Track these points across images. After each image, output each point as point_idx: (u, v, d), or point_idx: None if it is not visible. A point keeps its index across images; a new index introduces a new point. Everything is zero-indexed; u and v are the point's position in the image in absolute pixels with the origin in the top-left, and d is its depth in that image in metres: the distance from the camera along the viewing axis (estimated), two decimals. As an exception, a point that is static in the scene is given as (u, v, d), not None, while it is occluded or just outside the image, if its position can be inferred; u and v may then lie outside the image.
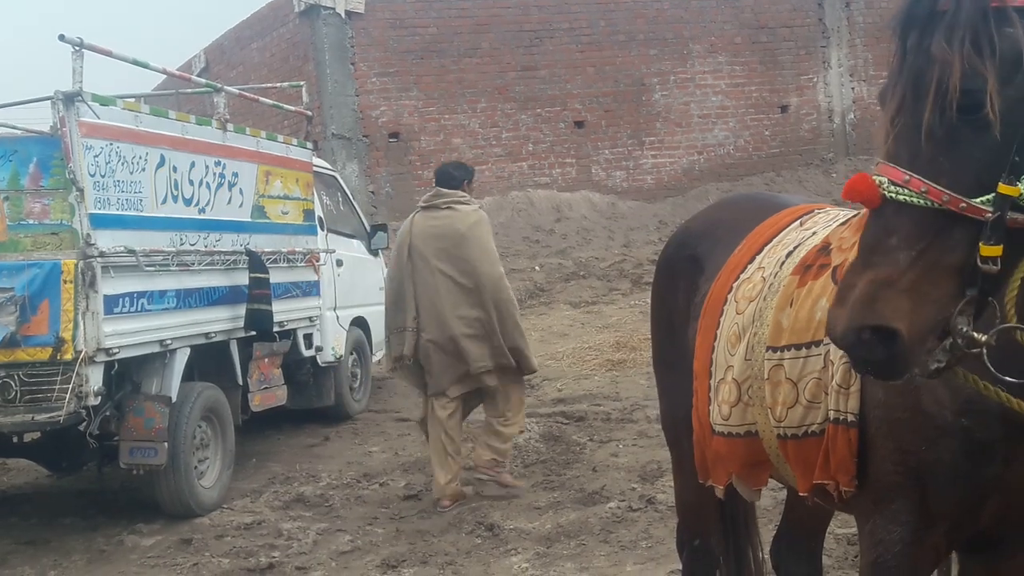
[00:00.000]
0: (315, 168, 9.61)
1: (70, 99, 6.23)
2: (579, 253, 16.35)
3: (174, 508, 6.98)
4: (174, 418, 6.83)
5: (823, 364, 2.85)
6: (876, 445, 2.71)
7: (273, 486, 7.64)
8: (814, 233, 3.24)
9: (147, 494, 7.16)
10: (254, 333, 7.86)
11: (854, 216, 3.12)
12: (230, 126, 7.97)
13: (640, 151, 18.36)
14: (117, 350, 6.46)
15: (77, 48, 6.37)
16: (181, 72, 9.66)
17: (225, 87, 8.52)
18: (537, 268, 15.78)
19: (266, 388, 8.29)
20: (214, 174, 7.58)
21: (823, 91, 19.49)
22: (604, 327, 12.91)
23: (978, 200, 2.13)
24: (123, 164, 6.59)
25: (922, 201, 2.14)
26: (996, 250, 2.13)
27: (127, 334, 6.55)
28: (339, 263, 9.97)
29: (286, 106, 9.97)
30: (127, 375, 6.87)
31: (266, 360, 8.29)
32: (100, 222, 6.37)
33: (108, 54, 6.81)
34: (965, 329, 2.17)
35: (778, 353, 3.00)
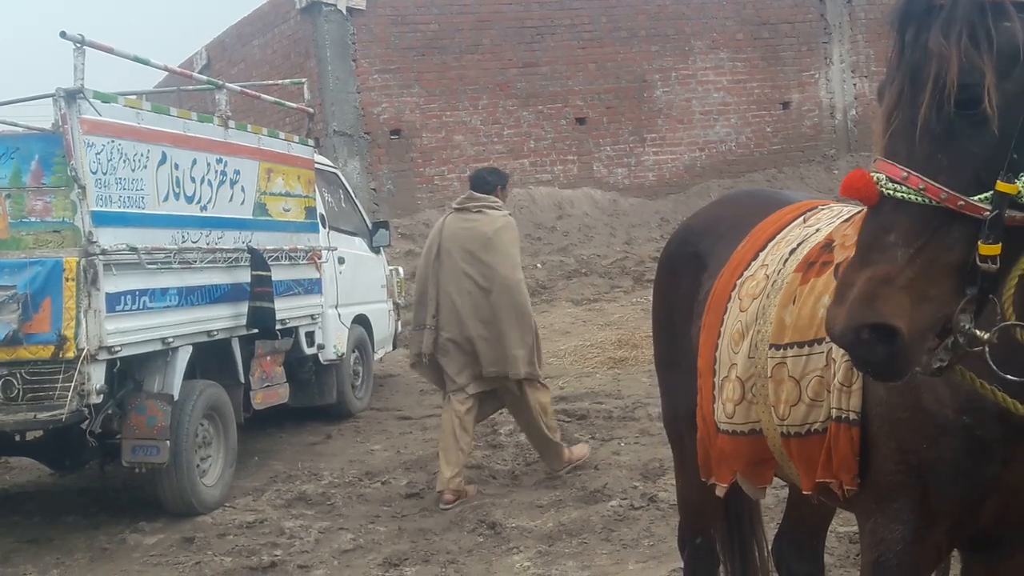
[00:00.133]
0: (317, 165, 9.60)
1: (72, 96, 6.22)
2: (581, 250, 16.34)
3: (176, 506, 6.98)
4: (176, 416, 6.82)
5: (825, 362, 2.85)
6: (878, 443, 2.70)
7: (275, 484, 7.64)
8: (817, 230, 3.23)
9: (149, 492, 7.16)
10: (256, 331, 7.86)
11: (857, 213, 3.10)
12: (232, 123, 7.97)
13: (642, 148, 18.34)
14: (119, 348, 6.46)
15: (78, 45, 6.36)
16: (182, 69, 9.64)
17: (227, 84, 8.51)
18: (539, 265, 15.77)
19: (268, 386, 8.29)
20: (216, 171, 7.58)
21: (825, 87, 19.48)
22: (606, 325, 12.91)
23: (976, 198, 2.11)
24: (125, 161, 6.59)
25: (920, 198, 2.12)
26: (995, 249, 2.12)
27: (129, 332, 6.55)
28: (341, 261, 9.97)
29: (288, 103, 9.96)
30: (129, 373, 6.87)
31: (268, 358, 8.29)
32: (102, 220, 6.37)
33: (109, 51, 6.80)
34: (968, 327, 2.16)
35: (781, 351, 3.00)
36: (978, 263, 2.12)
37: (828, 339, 2.80)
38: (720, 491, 3.39)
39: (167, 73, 8.92)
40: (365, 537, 6.41)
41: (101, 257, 6.31)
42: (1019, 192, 2.11)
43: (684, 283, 3.71)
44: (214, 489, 7.25)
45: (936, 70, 2.13)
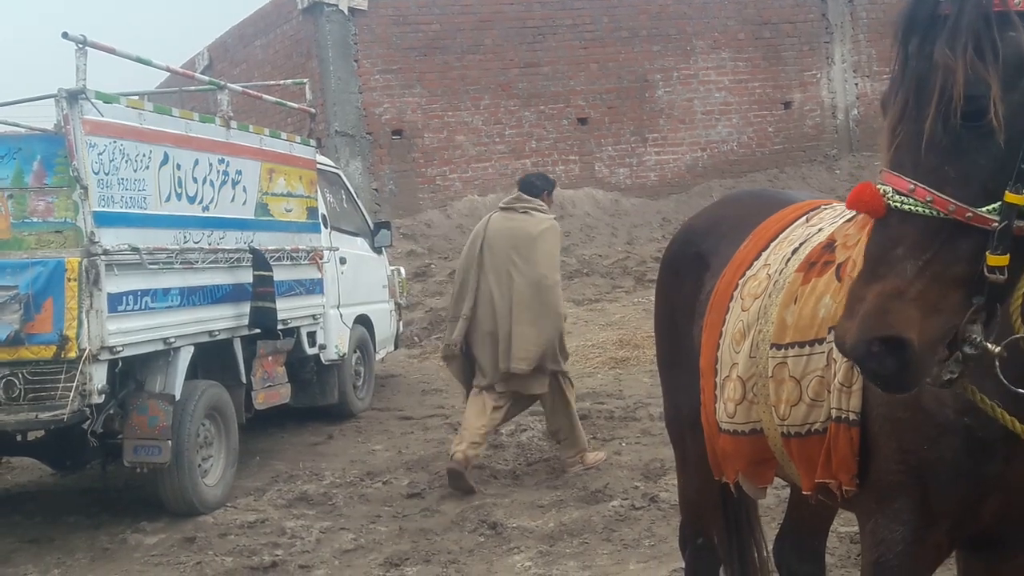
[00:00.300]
0: (318, 165, 9.60)
1: (74, 97, 6.23)
2: (582, 250, 16.34)
3: (178, 506, 6.98)
4: (178, 416, 6.83)
5: (826, 362, 2.85)
6: (878, 444, 2.70)
7: (276, 484, 7.64)
8: (820, 229, 3.23)
9: (151, 492, 7.17)
10: (258, 331, 7.86)
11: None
12: (234, 123, 7.97)
13: (643, 148, 18.34)
14: (121, 348, 6.46)
15: (80, 46, 6.36)
16: (184, 70, 9.65)
17: (228, 84, 8.52)
18: (540, 265, 15.75)
19: (270, 386, 8.29)
20: (218, 172, 7.58)
21: (827, 87, 19.47)
22: (607, 325, 12.91)
23: (984, 209, 2.11)
24: (127, 162, 6.59)
25: (928, 210, 2.12)
26: (1003, 260, 2.11)
27: (131, 332, 6.55)
28: (343, 261, 9.97)
29: (289, 103, 9.96)
30: (131, 373, 6.88)
31: (270, 358, 8.30)
32: (104, 220, 6.37)
33: (111, 51, 6.81)
34: (978, 339, 2.16)
35: (782, 351, 3.00)
36: (986, 274, 2.12)
37: (829, 339, 2.82)
38: (733, 488, 3.38)
39: (169, 74, 8.91)
40: (366, 537, 6.42)
41: (103, 257, 6.32)
42: None
43: (686, 283, 3.71)
44: (215, 489, 7.26)
45: (942, 82, 2.12)
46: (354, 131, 16.69)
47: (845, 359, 2.72)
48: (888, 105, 2.26)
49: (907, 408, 2.59)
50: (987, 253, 2.12)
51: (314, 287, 9.04)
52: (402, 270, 12.08)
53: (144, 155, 6.76)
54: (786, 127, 19.22)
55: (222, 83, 8.46)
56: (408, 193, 16.95)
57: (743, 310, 3.24)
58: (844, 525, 5.26)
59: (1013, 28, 2.13)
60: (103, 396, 6.38)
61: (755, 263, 3.35)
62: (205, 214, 7.41)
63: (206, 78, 9.77)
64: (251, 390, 8.00)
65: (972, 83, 2.10)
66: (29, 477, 8.55)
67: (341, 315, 9.74)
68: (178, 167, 7.09)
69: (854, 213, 3.15)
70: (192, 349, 7.16)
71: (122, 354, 6.51)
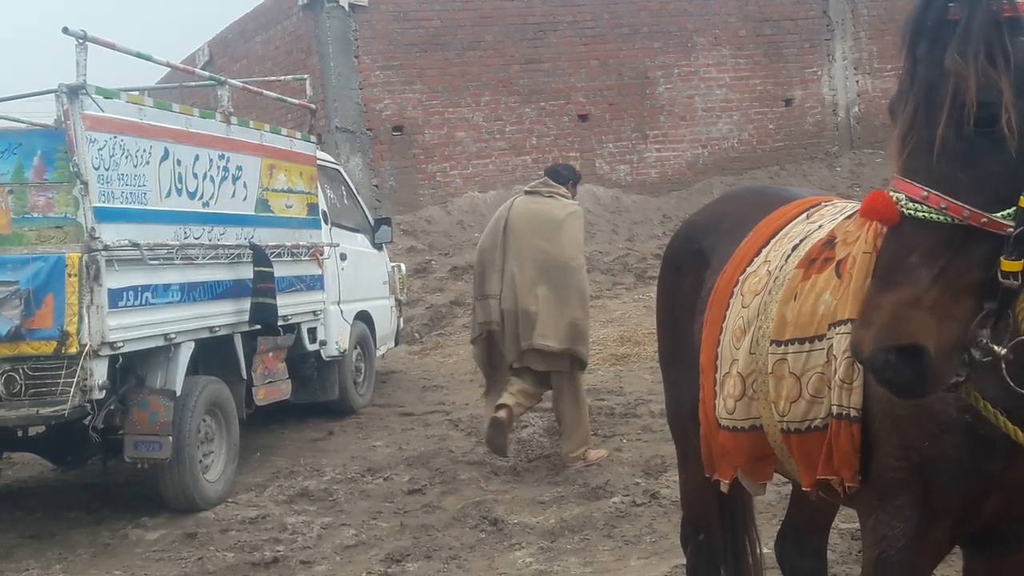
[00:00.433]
0: (319, 162, 9.60)
1: (74, 92, 6.23)
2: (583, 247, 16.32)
3: (178, 502, 6.98)
4: (178, 412, 6.83)
5: (826, 358, 2.85)
6: (879, 441, 2.70)
7: (277, 480, 7.64)
8: (820, 226, 3.23)
9: (151, 488, 7.17)
10: (258, 327, 7.86)
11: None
12: (234, 119, 7.97)
13: (644, 145, 18.33)
14: (121, 344, 6.46)
15: (81, 41, 6.36)
16: (185, 65, 9.64)
17: (229, 80, 8.52)
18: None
19: (270, 382, 8.29)
20: (218, 167, 7.58)
21: (827, 84, 19.45)
22: (608, 321, 12.90)
23: (999, 214, 2.11)
24: (127, 157, 6.59)
25: (942, 217, 2.12)
26: (1017, 265, 2.12)
27: (131, 328, 6.55)
28: (343, 257, 9.97)
29: (290, 99, 9.96)
30: (131, 369, 6.88)
31: (270, 354, 8.30)
32: (104, 215, 6.37)
33: (112, 47, 6.81)
34: (985, 342, 2.17)
35: (782, 347, 3.00)
36: (1000, 279, 2.13)
37: (828, 336, 2.81)
38: (724, 487, 3.39)
39: (169, 69, 8.91)
40: (367, 533, 6.42)
41: (103, 253, 6.32)
42: None
43: (688, 280, 3.71)
44: (216, 485, 7.26)
45: (953, 89, 2.12)
46: (354, 127, 16.69)
47: (846, 356, 2.72)
48: (897, 112, 2.26)
49: (909, 405, 2.59)
50: (1002, 258, 2.12)
51: (314, 283, 9.03)
52: (402, 266, 12.08)
53: (144, 151, 6.76)
54: (787, 124, 19.21)
55: (222, 79, 8.45)
56: (408, 189, 16.95)
57: (743, 306, 3.24)
58: (845, 522, 5.25)
59: (1023, 33, 2.12)
60: (104, 392, 6.38)
61: (755, 260, 3.35)
62: (205, 210, 7.41)
63: (206, 74, 9.75)
64: (252, 386, 8.00)
65: (984, 90, 2.10)
66: (30, 473, 8.55)
67: (342, 311, 9.74)
68: (178, 163, 7.09)
69: (854, 210, 3.16)
70: (193, 345, 7.17)
71: (123, 350, 6.51)
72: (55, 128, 6.54)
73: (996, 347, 2.18)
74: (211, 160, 7.49)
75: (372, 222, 11.01)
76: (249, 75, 16.35)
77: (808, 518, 3.99)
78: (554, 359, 7.37)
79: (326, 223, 9.57)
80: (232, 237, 7.68)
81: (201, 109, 7.95)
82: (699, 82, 18.63)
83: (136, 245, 6.56)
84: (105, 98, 6.44)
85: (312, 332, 9.07)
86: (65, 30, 6.34)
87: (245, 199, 7.95)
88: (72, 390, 6.15)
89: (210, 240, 7.40)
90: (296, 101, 9.88)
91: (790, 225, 3.39)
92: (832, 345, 2.81)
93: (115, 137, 6.49)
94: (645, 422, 8.44)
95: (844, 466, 2.77)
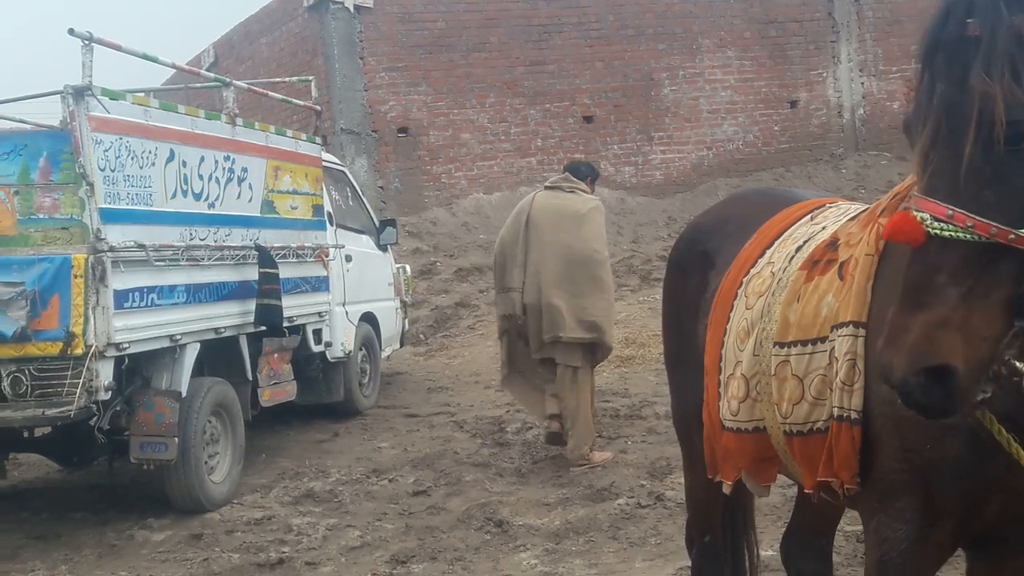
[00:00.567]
0: (324, 163, 9.61)
1: (80, 93, 6.24)
2: (588, 248, 16.31)
3: (184, 503, 6.99)
4: (184, 413, 6.84)
5: (828, 361, 2.85)
6: (881, 443, 2.70)
7: (283, 481, 7.65)
8: (824, 228, 3.23)
9: (157, 489, 7.18)
10: (264, 328, 7.87)
11: (863, 211, 3.10)
12: (239, 121, 7.98)
13: (649, 146, 18.33)
14: (127, 345, 6.47)
15: (87, 42, 6.37)
16: (190, 67, 9.65)
17: (234, 81, 8.54)
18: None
19: (275, 383, 8.30)
20: (223, 169, 7.59)
21: (833, 86, 19.44)
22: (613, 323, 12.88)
23: None
24: (133, 158, 6.60)
25: (969, 236, 2.11)
26: None
27: (137, 329, 6.56)
28: (348, 258, 9.98)
29: (295, 100, 9.97)
30: (137, 370, 6.89)
31: (275, 355, 8.30)
32: (110, 217, 6.38)
33: (117, 48, 6.81)
34: (1009, 359, 2.16)
35: (785, 349, 3.00)
36: None
37: (831, 338, 2.81)
38: (726, 488, 3.39)
39: (175, 71, 8.91)
40: (372, 534, 6.42)
41: (109, 254, 6.33)
42: None
43: (692, 281, 3.71)
44: (222, 486, 7.27)
45: (980, 108, 2.10)
46: (359, 128, 16.70)
47: (847, 358, 2.72)
48: (915, 129, 2.24)
49: None
50: None
51: (320, 285, 9.04)
52: (407, 268, 12.09)
53: (150, 152, 6.76)
54: (792, 126, 19.19)
55: (228, 80, 8.47)
56: (413, 191, 16.95)
57: (747, 308, 3.24)
58: (851, 524, 5.25)
59: None
60: (109, 393, 6.39)
61: (759, 261, 3.35)
62: (211, 211, 7.42)
63: (212, 75, 9.77)
64: (257, 387, 8.01)
65: (1012, 108, 2.09)
66: (36, 473, 8.56)
67: (347, 313, 9.75)
68: (184, 164, 7.10)
69: (858, 212, 3.15)
70: (198, 346, 7.17)
71: (128, 351, 6.52)
72: (61, 129, 6.55)
73: (1019, 364, 2.17)
74: (216, 161, 7.50)
75: (377, 224, 11.02)
76: (254, 76, 16.37)
77: (814, 520, 3.99)
78: (577, 351, 7.49)
79: (331, 224, 9.58)
80: (237, 238, 7.69)
81: (206, 110, 7.96)
82: (704, 84, 18.63)
83: (142, 246, 6.57)
84: (111, 99, 6.45)
85: (317, 333, 9.08)
86: (71, 31, 6.35)
87: (250, 200, 7.96)
88: (78, 391, 6.16)
89: (215, 241, 7.41)
90: (301, 103, 9.89)
91: (794, 226, 3.39)
92: (834, 347, 2.81)
93: (121, 138, 6.49)
94: (650, 424, 8.44)
95: (844, 468, 2.77)
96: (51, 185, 6.56)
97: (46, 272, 6.25)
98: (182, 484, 6.94)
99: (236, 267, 7.63)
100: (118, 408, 6.63)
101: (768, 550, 5.23)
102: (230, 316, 7.57)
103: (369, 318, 10.37)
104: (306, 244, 8.75)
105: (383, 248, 11.03)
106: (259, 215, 8.06)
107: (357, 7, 16.63)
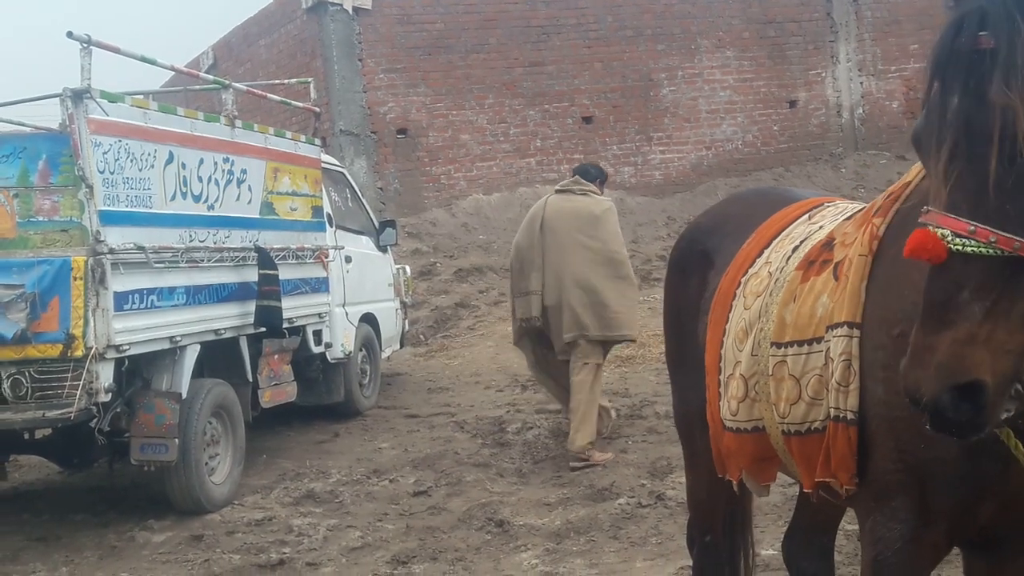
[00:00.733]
0: (323, 164, 9.61)
1: (79, 96, 6.24)
2: (587, 249, 16.30)
3: (185, 504, 7.00)
4: (184, 414, 6.84)
5: (824, 361, 2.85)
6: (876, 443, 2.71)
7: (283, 482, 7.65)
8: (821, 227, 3.24)
9: (158, 490, 7.19)
10: (264, 329, 7.87)
11: (859, 211, 3.10)
12: (238, 122, 7.98)
13: (648, 147, 18.33)
14: (127, 347, 6.48)
15: (85, 45, 6.37)
16: (189, 69, 9.66)
17: (233, 84, 8.53)
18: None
19: (276, 384, 8.30)
20: (223, 171, 7.59)
21: (832, 86, 19.43)
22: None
23: None
24: (132, 161, 6.60)
25: (991, 251, 2.09)
26: None
27: (137, 331, 6.57)
28: (348, 259, 9.98)
29: (294, 102, 9.97)
30: (137, 372, 6.90)
31: (276, 356, 8.31)
32: (109, 219, 6.39)
33: (116, 51, 6.82)
34: None
35: (782, 349, 3.01)
36: None
37: (827, 338, 2.81)
38: (736, 487, 3.39)
39: (174, 73, 8.92)
40: (373, 535, 6.42)
41: (109, 256, 6.33)
42: None
43: (693, 281, 3.72)
44: (222, 487, 7.27)
45: (1001, 122, 2.09)
46: (359, 130, 16.70)
47: (842, 359, 2.72)
48: (928, 142, 2.21)
49: (905, 408, 2.58)
50: None
51: (319, 286, 9.04)
52: (407, 268, 12.09)
53: (149, 154, 6.77)
54: (791, 126, 19.19)
55: (227, 82, 8.47)
56: (413, 192, 16.95)
57: (745, 308, 3.25)
58: (852, 523, 5.22)
59: None
60: (110, 394, 6.40)
61: (757, 261, 3.36)
62: (210, 213, 7.42)
63: (211, 77, 9.77)
64: (257, 388, 8.01)
65: None
66: (37, 475, 8.57)
67: (347, 314, 9.75)
68: (183, 166, 7.10)
69: (855, 211, 3.16)
70: (198, 348, 7.18)
71: (128, 352, 6.52)
72: (60, 132, 6.55)
73: None
74: (216, 163, 7.50)
75: (376, 224, 11.02)
76: (253, 78, 16.38)
77: (815, 519, 3.99)
78: (598, 348, 7.66)
79: (331, 226, 9.59)
80: (237, 240, 7.69)
81: (206, 112, 7.97)
82: (703, 84, 18.62)
83: (141, 248, 6.58)
84: (110, 102, 6.46)
85: (317, 334, 9.09)
86: (70, 34, 6.35)
87: (250, 202, 7.96)
88: (78, 393, 6.17)
89: (215, 243, 7.41)
90: (300, 104, 9.89)
91: (792, 226, 3.39)
92: (830, 347, 2.81)
93: (120, 141, 6.50)
94: (651, 423, 8.44)
95: (841, 468, 2.77)
96: (50, 187, 6.57)
97: (46, 274, 6.25)
98: (182, 485, 6.94)
99: (236, 269, 7.64)
100: (118, 410, 6.64)
101: (769, 549, 5.24)
102: (230, 317, 7.57)
103: (369, 319, 10.37)
104: (306, 245, 8.76)
105: (383, 249, 11.03)
106: (258, 217, 8.07)
107: (356, 9, 16.63)
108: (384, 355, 10.92)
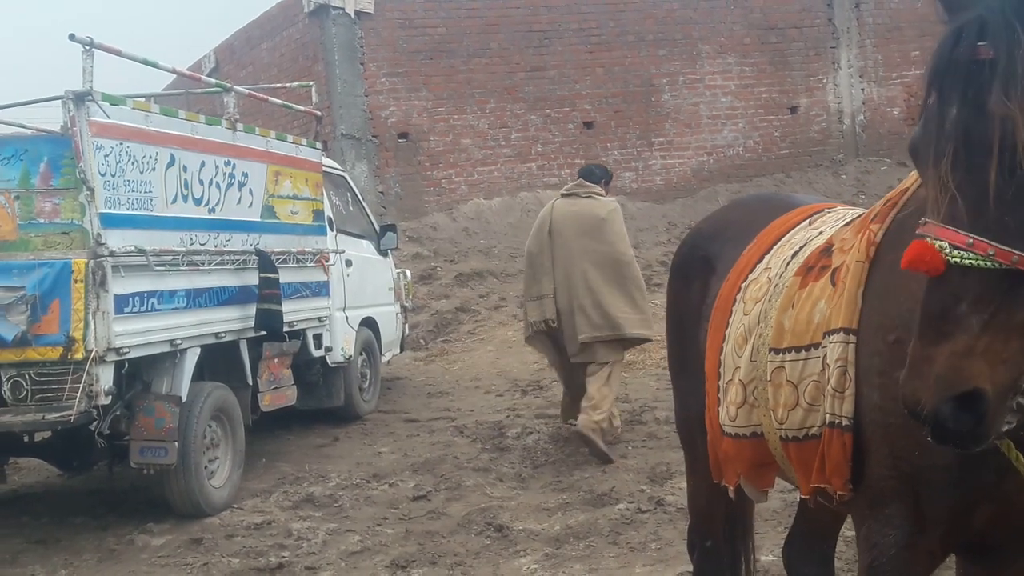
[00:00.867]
0: (324, 168, 9.62)
1: (80, 99, 6.24)
2: (588, 254, 16.30)
3: (184, 508, 6.99)
4: (184, 418, 6.84)
5: (821, 367, 2.85)
6: (871, 449, 2.71)
7: (283, 486, 7.65)
8: (820, 233, 3.24)
9: (157, 494, 7.18)
10: (264, 333, 7.87)
11: (858, 216, 3.10)
12: (240, 126, 7.99)
13: (649, 152, 18.33)
14: (127, 350, 6.48)
15: (87, 47, 6.38)
16: (191, 72, 9.66)
17: (235, 87, 8.53)
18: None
19: (276, 388, 8.30)
20: (224, 174, 7.60)
21: (833, 92, 19.44)
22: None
23: None
24: (133, 164, 6.61)
25: (990, 263, 2.09)
26: None
27: (137, 334, 6.57)
28: (348, 263, 9.98)
29: (295, 106, 9.98)
30: (137, 375, 6.90)
31: (276, 360, 8.30)
32: (110, 222, 6.39)
33: (118, 53, 6.82)
34: None
35: (780, 355, 3.01)
36: None
37: (824, 344, 2.81)
38: (731, 493, 3.39)
39: (175, 76, 8.92)
40: (372, 539, 6.42)
41: (109, 259, 6.33)
42: None
43: (694, 287, 3.73)
44: (222, 490, 7.27)
45: (1001, 133, 2.08)
46: (360, 134, 16.71)
47: (838, 365, 2.72)
48: (925, 153, 2.20)
49: (900, 414, 2.58)
50: None
51: (320, 289, 9.05)
52: (408, 273, 12.09)
53: (150, 157, 6.77)
54: (792, 132, 19.20)
55: (228, 85, 8.47)
56: (414, 196, 16.96)
57: (745, 314, 3.25)
58: (851, 529, 5.23)
59: None
60: (110, 397, 6.39)
61: (758, 266, 3.36)
62: (211, 216, 7.42)
63: (213, 80, 9.78)
64: (257, 392, 8.01)
65: None
66: (36, 478, 8.56)
67: (347, 317, 9.75)
68: (184, 169, 7.11)
69: (854, 217, 3.16)
70: (198, 351, 7.18)
71: (128, 355, 6.53)
72: (61, 134, 6.56)
73: None
74: (217, 166, 7.50)
75: (377, 228, 11.03)
76: (255, 82, 16.39)
77: (815, 525, 3.99)
78: (614, 347, 7.76)
79: (331, 229, 9.59)
80: (238, 243, 7.69)
81: (207, 116, 7.97)
82: (704, 90, 18.63)
83: (142, 251, 6.58)
84: (111, 104, 6.46)
85: (318, 338, 9.09)
86: (72, 37, 6.36)
87: (251, 205, 7.97)
88: (78, 395, 6.17)
89: (216, 246, 7.41)
90: (302, 108, 9.90)
91: (792, 232, 3.40)
92: (827, 353, 2.81)
93: (121, 143, 6.50)
94: (650, 429, 8.44)
95: (835, 475, 2.77)
96: (52, 190, 6.58)
97: (46, 277, 6.26)
98: (182, 488, 6.94)
99: (236, 272, 7.64)
100: (118, 413, 6.64)
101: (770, 555, 5.24)
102: (230, 321, 7.57)
103: (369, 323, 10.38)
104: (306, 249, 8.76)
105: (383, 253, 11.03)
106: (259, 220, 8.07)
107: (358, 13, 16.64)
108: (384, 359, 10.92)
